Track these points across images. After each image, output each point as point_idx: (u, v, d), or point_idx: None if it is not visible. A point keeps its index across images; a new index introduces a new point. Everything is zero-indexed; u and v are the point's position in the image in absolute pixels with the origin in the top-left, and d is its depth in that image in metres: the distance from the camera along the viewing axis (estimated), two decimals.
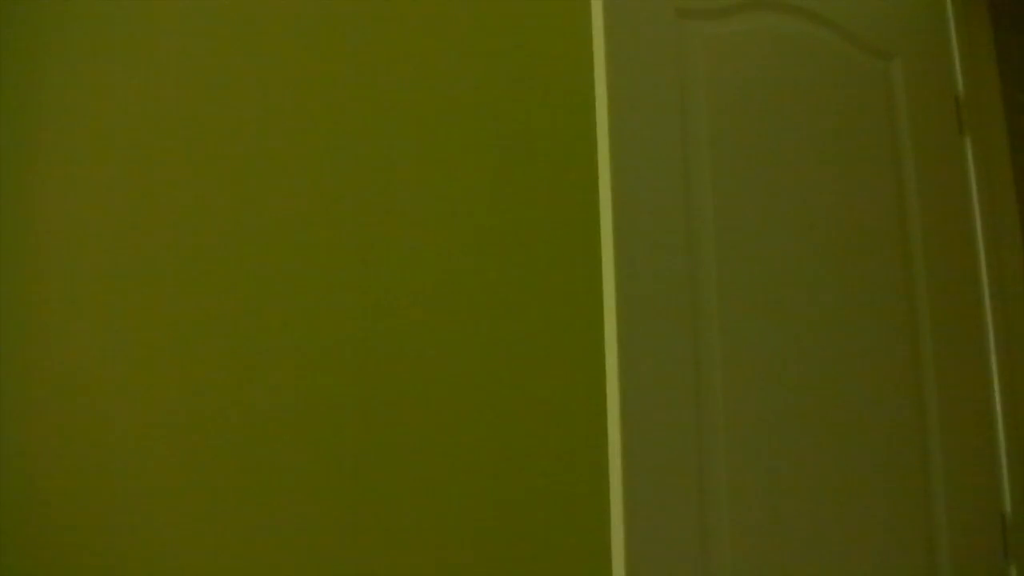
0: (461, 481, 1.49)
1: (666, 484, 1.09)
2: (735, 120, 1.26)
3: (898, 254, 1.38)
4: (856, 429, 1.26)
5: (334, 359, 1.71)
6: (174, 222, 1.90)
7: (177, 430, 1.80)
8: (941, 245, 1.43)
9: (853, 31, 1.42)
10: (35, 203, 2.05)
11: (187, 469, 1.79)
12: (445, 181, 1.58)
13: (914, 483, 1.30)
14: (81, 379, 1.91)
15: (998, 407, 1.42)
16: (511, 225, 1.51)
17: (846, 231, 1.32)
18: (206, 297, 1.84)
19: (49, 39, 2.15)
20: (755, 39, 1.31)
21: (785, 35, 1.34)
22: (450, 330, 1.54)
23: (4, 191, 2.11)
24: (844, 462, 1.23)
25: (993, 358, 1.43)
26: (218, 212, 1.87)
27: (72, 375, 1.93)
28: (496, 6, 1.59)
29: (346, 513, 1.65)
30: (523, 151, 1.52)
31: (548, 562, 1.38)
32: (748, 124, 1.27)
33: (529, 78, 1.54)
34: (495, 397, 1.47)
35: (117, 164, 1.99)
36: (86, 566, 1.82)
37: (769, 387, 1.19)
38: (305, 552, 1.70)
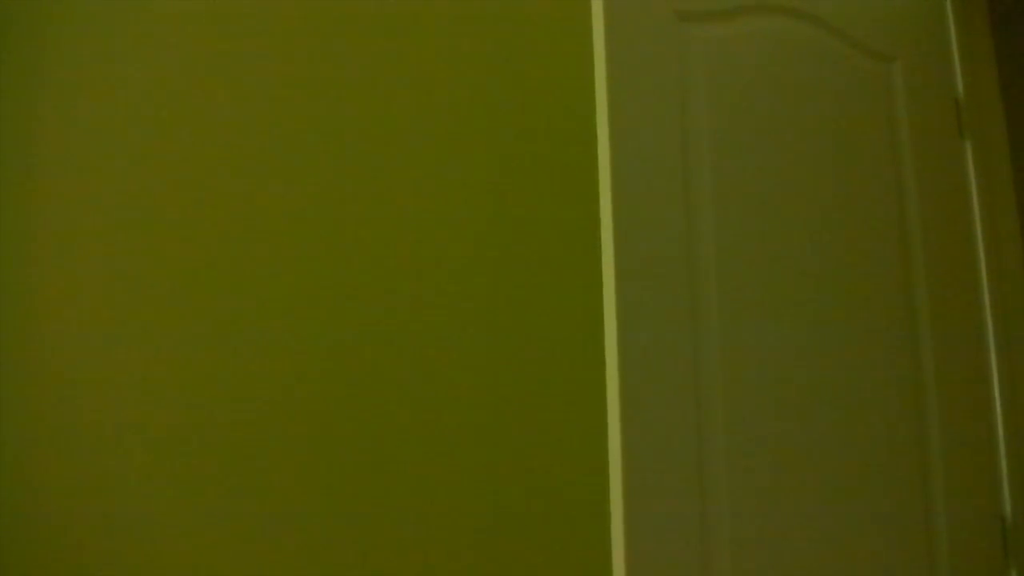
0: (460, 481, 1.49)
1: (666, 482, 1.09)
2: (735, 123, 1.26)
3: (898, 255, 1.38)
4: (855, 428, 1.26)
5: (335, 359, 1.71)
6: (174, 222, 1.90)
7: (176, 430, 1.80)
8: (941, 247, 1.43)
9: (854, 34, 1.43)
10: (35, 203, 2.05)
11: (186, 469, 1.79)
12: (446, 180, 1.58)
13: (913, 483, 1.30)
14: (81, 379, 1.91)
15: (998, 408, 1.42)
16: (512, 225, 1.51)
17: (846, 232, 1.32)
18: (206, 297, 1.84)
19: (49, 39, 2.15)
20: (755, 42, 1.31)
21: (785, 38, 1.34)
22: (450, 328, 1.54)
23: (4, 191, 2.11)
24: (843, 461, 1.23)
25: (993, 360, 1.43)
26: (218, 212, 1.87)
27: (72, 375, 1.92)
28: (497, 8, 1.59)
29: (343, 513, 1.65)
30: (523, 152, 1.52)
31: (549, 561, 1.38)
32: (748, 127, 1.27)
33: (530, 79, 1.54)
34: (494, 396, 1.47)
35: (117, 164, 1.99)
36: (86, 566, 1.82)
37: (768, 386, 1.19)
38: (306, 552, 1.70)
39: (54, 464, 1.90)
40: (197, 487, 1.77)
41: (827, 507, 1.20)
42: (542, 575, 1.37)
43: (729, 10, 1.31)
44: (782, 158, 1.29)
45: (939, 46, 1.57)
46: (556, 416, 1.41)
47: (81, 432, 1.88)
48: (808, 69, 1.35)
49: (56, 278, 1.98)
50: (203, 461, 1.78)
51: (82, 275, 1.95)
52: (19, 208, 2.08)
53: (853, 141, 1.37)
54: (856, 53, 1.43)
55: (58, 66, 2.11)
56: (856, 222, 1.34)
